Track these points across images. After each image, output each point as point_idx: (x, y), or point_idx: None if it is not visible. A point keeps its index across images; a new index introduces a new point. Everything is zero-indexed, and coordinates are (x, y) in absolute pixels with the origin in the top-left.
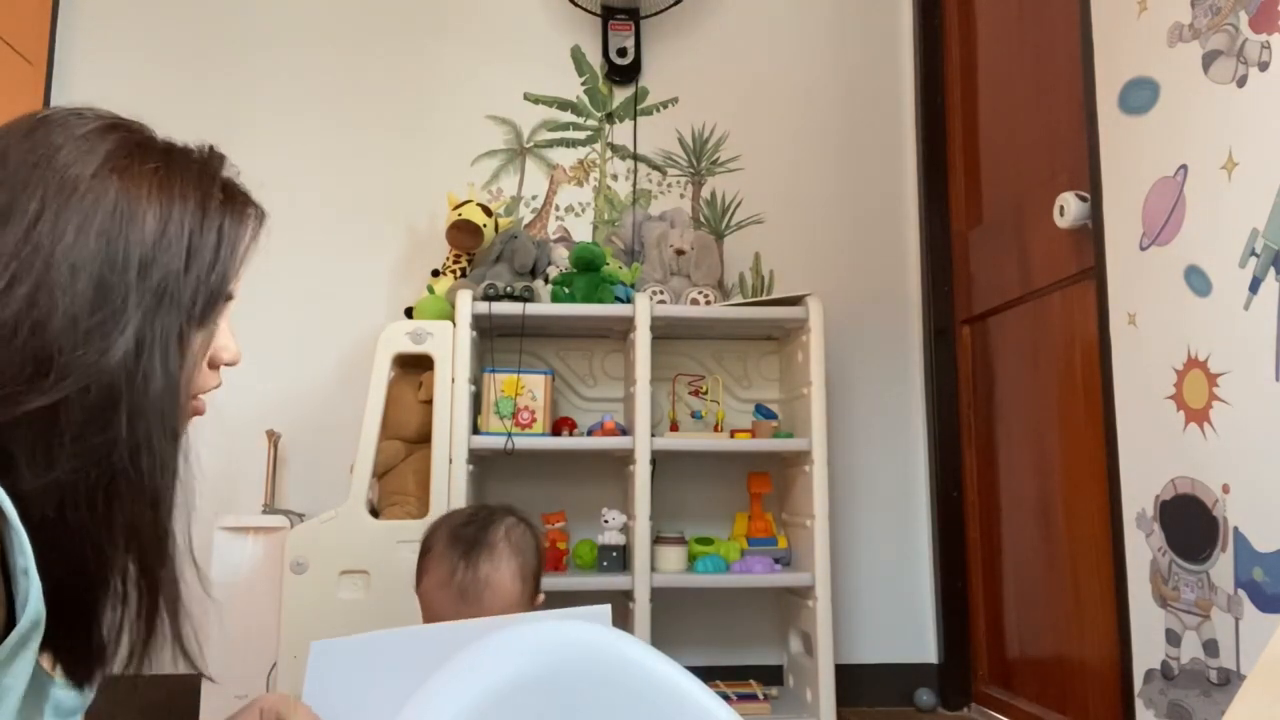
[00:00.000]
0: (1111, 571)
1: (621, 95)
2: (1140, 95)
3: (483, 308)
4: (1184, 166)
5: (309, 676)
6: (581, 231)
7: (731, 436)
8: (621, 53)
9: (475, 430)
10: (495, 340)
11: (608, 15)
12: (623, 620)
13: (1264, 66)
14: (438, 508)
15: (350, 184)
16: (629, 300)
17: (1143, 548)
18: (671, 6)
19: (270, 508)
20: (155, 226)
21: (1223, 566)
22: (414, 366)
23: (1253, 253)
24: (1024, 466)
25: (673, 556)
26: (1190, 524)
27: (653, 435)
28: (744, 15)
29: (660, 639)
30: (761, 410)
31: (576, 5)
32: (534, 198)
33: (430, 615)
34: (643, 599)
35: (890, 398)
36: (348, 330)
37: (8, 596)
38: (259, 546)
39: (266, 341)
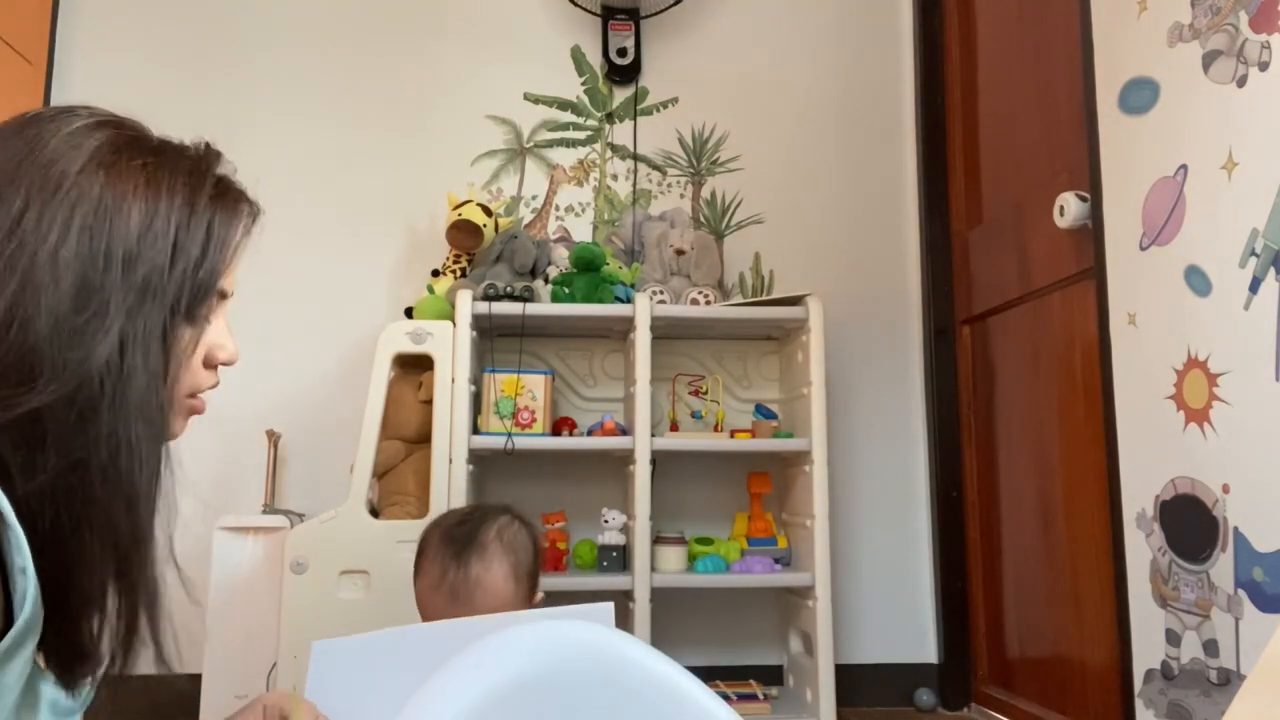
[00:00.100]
0: (1111, 571)
1: (621, 95)
2: (1140, 95)
3: (483, 308)
4: (1184, 166)
5: (311, 676)
6: (581, 231)
7: (731, 436)
8: (621, 53)
9: (475, 430)
10: (495, 340)
11: (608, 15)
12: (623, 620)
13: (1264, 66)
14: (438, 508)
15: (350, 184)
16: (629, 300)
17: (1143, 548)
18: (671, 6)
19: (270, 508)
20: (140, 221)
21: (1223, 566)
22: (414, 366)
23: (1253, 253)
24: (1024, 466)
25: (673, 556)
26: (1190, 524)
27: (653, 435)
28: (744, 15)
29: (660, 639)
30: (761, 410)
31: (576, 5)
32: (534, 198)
33: (425, 616)
34: (643, 599)
35: (890, 398)
36: (348, 330)
37: (5, 595)
38: (259, 546)
39: (266, 341)
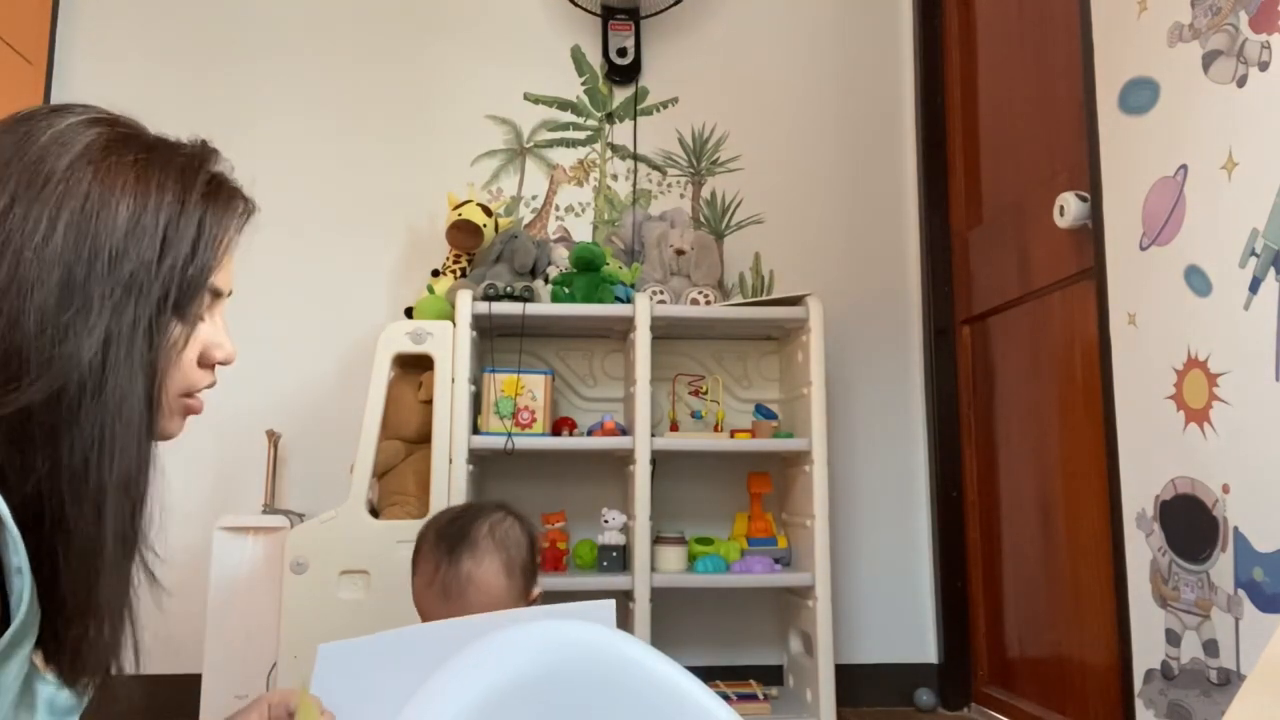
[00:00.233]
0: (1111, 571)
1: (621, 95)
2: (1140, 95)
3: (483, 308)
4: (1184, 166)
5: (316, 678)
6: (581, 231)
7: (731, 436)
8: (621, 53)
9: (475, 430)
10: (495, 340)
11: (608, 15)
12: (623, 620)
13: (1264, 66)
14: (438, 508)
15: (350, 184)
16: (629, 300)
17: (1143, 548)
18: (671, 6)
19: (270, 508)
20: (128, 218)
21: (1223, 566)
22: (414, 366)
23: (1253, 253)
24: (1024, 466)
25: (673, 556)
26: (1190, 524)
27: (653, 435)
28: (744, 15)
29: (660, 639)
30: (761, 410)
31: (576, 5)
32: (534, 198)
33: (421, 614)
34: (643, 599)
35: (890, 398)
36: (348, 330)
37: (1, 596)
38: (259, 546)
39: (266, 341)
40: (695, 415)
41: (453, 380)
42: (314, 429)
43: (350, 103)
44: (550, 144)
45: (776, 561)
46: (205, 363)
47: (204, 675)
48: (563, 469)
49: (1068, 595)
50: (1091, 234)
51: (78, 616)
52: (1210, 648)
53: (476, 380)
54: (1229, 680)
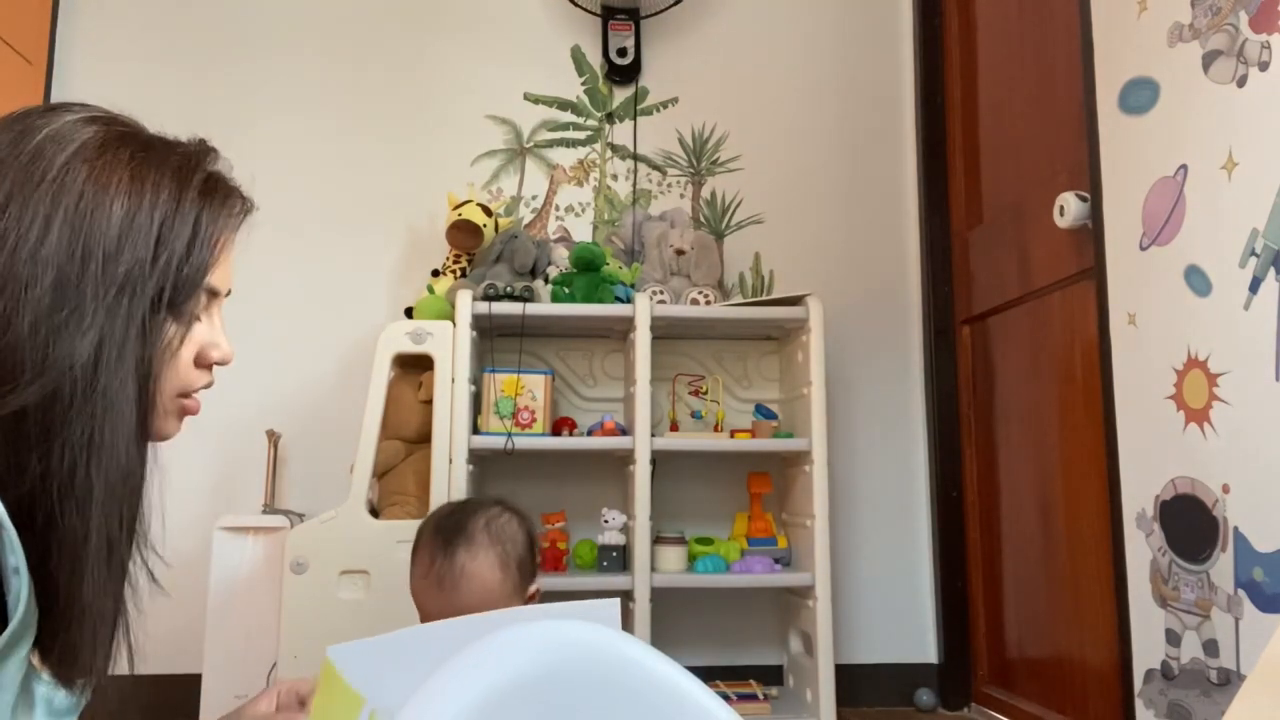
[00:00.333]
0: (1111, 571)
1: (621, 95)
2: (1140, 95)
3: (483, 308)
4: (1184, 166)
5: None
6: (581, 231)
7: (731, 436)
8: (621, 53)
9: (475, 430)
10: (495, 340)
11: (608, 15)
12: (623, 620)
13: (1264, 66)
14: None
15: (350, 184)
16: (629, 300)
17: (1143, 548)
18: (671, 6)
19: (270, 508)
20: (122, 216)
21: (1223, 566)
22: (414, 366)
23: (1253, 253)
24: (1024, 466)
25: (673, 556)
26: (1190, 524)
27: (653, 435)
28: (744, 15)
29: (660, 639)
30: (761, 410)
31: (576, 5)
32: (534, 198)
33: (417, 605)
34: (643, 599)
35: (890, 398)
36: (348, 330)
37: (0, 595)
38: (259, 546)
39: (267, 341)
40: (695, 415)
41: (453, 380)
42: (314, 429)
43: (350, 103)
44: (550, 144)
45: (776, 561)
46: (202, 363)
47: (204, 675)
48: (563, 469)
49: (1068, 595)
50: (1091, 234)
51: (70, 617)
52: (1210, 648)
53: (476, 380)
54: (1229, 680)
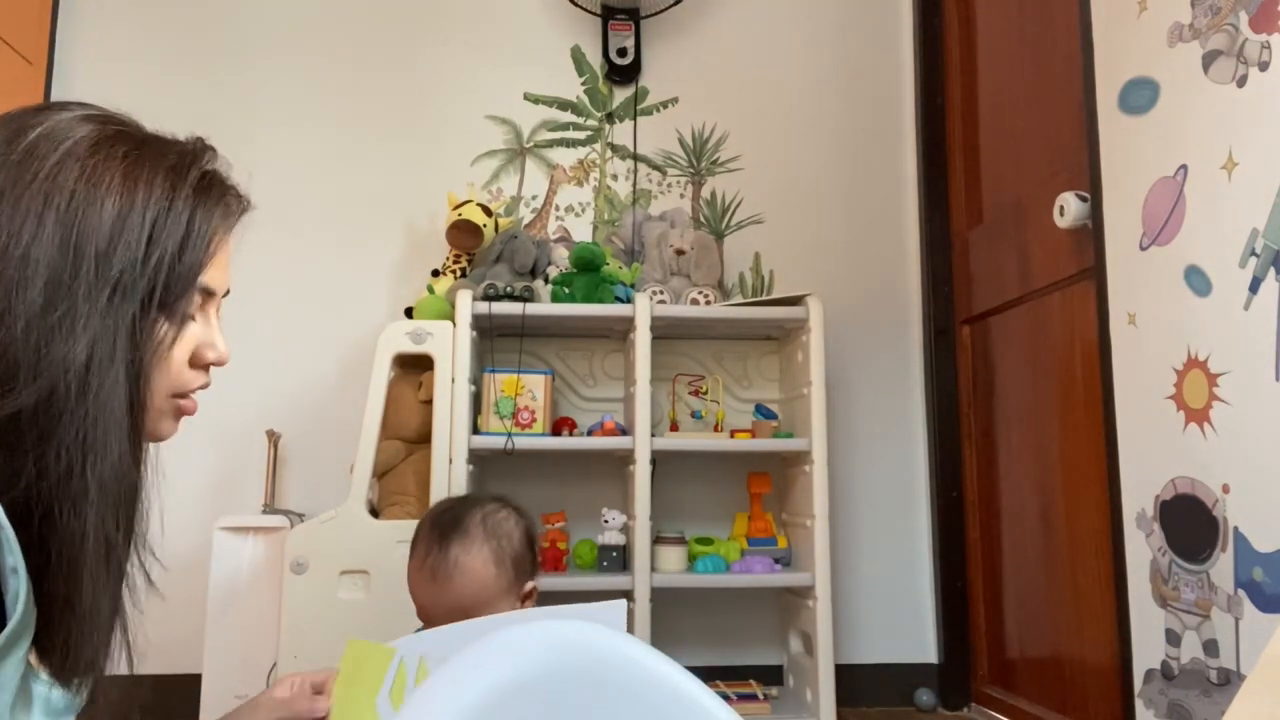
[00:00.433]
0: (1111, 571)
1: (621, 95)
2: (1140, 95)
3: (483, 308)
4: (1184, 166)
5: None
6: (581, 231)
7: (731, 436)
8: (621, 53)
9: (475, 430)
10: (495, 340)
11: (608, 15)
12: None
13: (1264, 66)
14: None
15: (350, 184)
16: (629, 300)
17: (1143, 548)
18: (671, 6)
19: (270, 508)
20: (113, 216)
21: (1223, 566)
22: (414, 366)
23: (1253, 253)
24: (1024, 466)
25: (673, 556)
26: (1190, 524)
27: (653, 435)
28: (744, 15)
29: (660, 639)
30: (761, 410)
31: (576, 5)
32: (534, 198)
33: (413, 597)
34: (643, 599)
35: (890, 398)
36: (348, 330)
37: None
38: (259, 546)
39: (267, 341)
40: (695, 415)
41: (453, 380)
42: (314, 429)
43: (350, 103)
44: (550, 144)
45: (776, 561)
46: (197, 363)
47: (204, 675)
48: (563, 469)
49: (1068, 595)
50: (1091, 234)
51: (66, 617)
52: (1210, 648)
53: (476, 380)
54: (1229, 680)
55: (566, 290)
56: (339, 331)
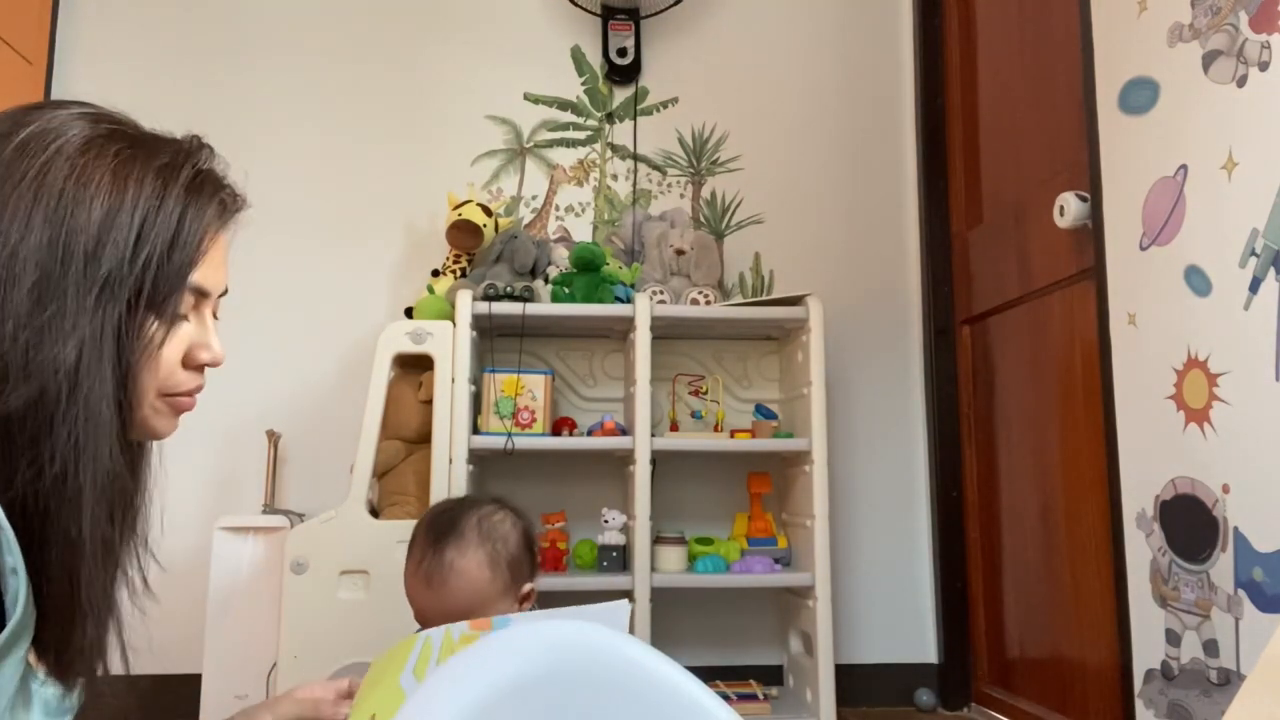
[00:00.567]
0: (1111, 571)
1: (621, 95)
2: (1140, 95)
3: (483, 308)
4: (1184, 166)
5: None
6: (581, 231)
7: (731, 436)
8: (621, 53)
9: (475, 430)
10: (495, 340)
11: (608, 15)
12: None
13: (1264, 66)
14: None
15: (350, 184)
16: (629, 300)
17: (1143, 548)
18: (671, 6)
19: (270, 508)
20: (102, 215)
21: (1223, 566)
22: (414, 366)
23: (1253, 253)
24: (1024, 466)
25: (673, 556)
26: (1190, 524)
27: (653, 435)
28: (744, 15)
29: (660, 639)
30: (761, 410)
31: (576, 5)
32: (534, 198)
33: (409, 599)
34: (643, 599)
35: (890, 398)
36: (348, 330)
37: None
38: (259, 546)
39: (267, 341)
40: (695, 415)
41: (453, 380)
42: (314, 429)
43: (350, 102)
44: (550, 144)
45: (776, 561)
46: (190, 363)
47: (204, 675)
48: (563, 469)
49: (1068, 595)
50: (1091, 234)
51: (61, 618)
52: (1210, 648)
53: (476, 380)
54: (1229, 680)
55: (566, 290)
56: (339, 331)
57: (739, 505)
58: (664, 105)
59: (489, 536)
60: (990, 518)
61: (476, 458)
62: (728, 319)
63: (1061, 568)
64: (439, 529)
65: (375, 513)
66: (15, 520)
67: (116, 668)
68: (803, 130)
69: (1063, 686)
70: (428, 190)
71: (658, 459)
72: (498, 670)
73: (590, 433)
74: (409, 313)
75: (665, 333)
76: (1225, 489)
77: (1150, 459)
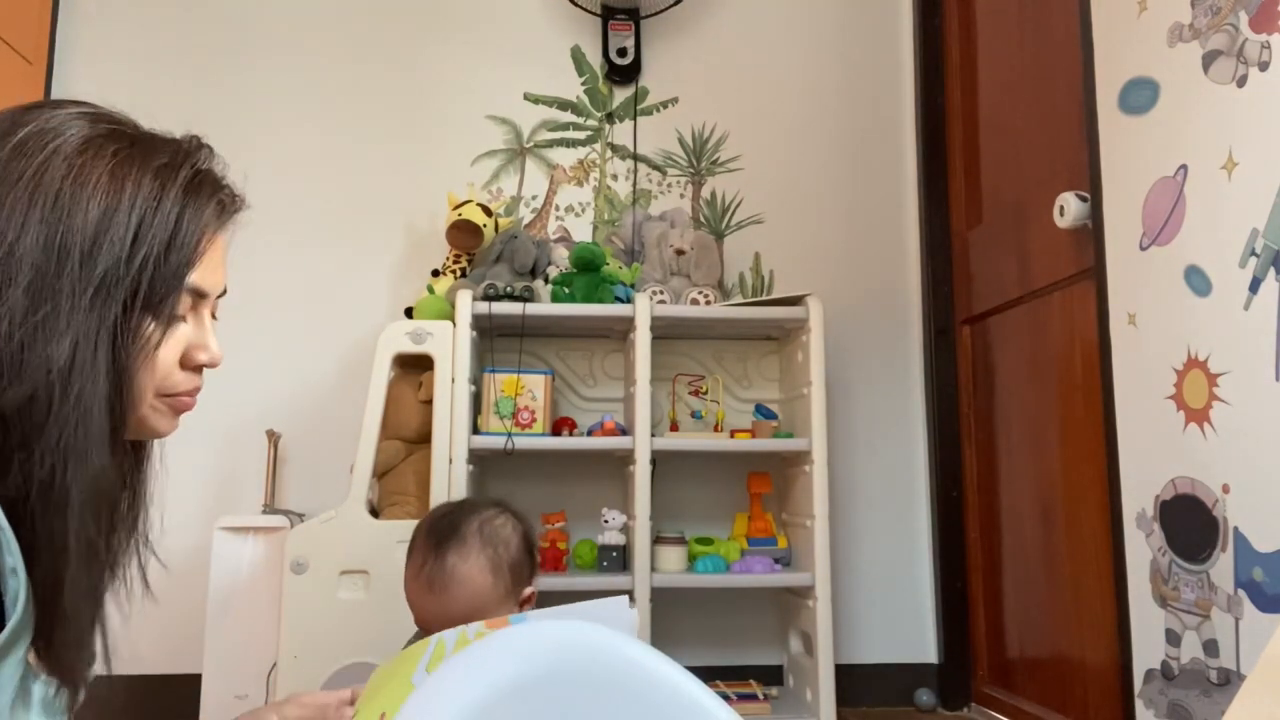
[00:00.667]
0: (1111, 571)
1: (621, 95)
2: (1140, 95)
3: (483, 308)
4: (1184, 166)
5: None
6: (581, 231)
7: (731, 436)
8: (621, 53)
9: (475, 430)
10: (495, 340)
11: (608, 15)
12: None
13: (1264, 66)
14: None
15: (350, 184)
16: (629, 300)
17: (1143, 548)
18: (671, 6)
19: (270, 508)
20: (99, 215)
21: (1223, 566)
22: (414, 366)
23: (1253, 253)
24: (1024, 466)
25: (673, 556)
26: (1190, 524)
27: (653, 435)
28: (744, 15)
29: (660, 639)
30: (761, 410)
31: (576, 5)
32: (534, 198)
33: (409, 603)
34: (643, 599)
35: (890, 398)
36: (348, 330)
37: None
38: (259, 546)
39: (267, 341)
40: (695, 415)
41: (453, 380)
42: (314, 429)
43: (350, 102)
44: (550, 144)
45: (776, 561)
46: (188, 364)
47: (204, 675)
48: (563, 469)
49: (1068, 595)
50: (1091, 234)
51: (47, 619)
52: (1210, 648)
53: (476, 380)
54: (1229, 680)
55: (566, 290)
56: (339, 331)
57: (739, 505)
58: (664, 105)
59: (491, 541)
60: (990, 518)
61: (476, 458)
62: (728, 319)
63: (1061, 568)
64: (440, 533)
65: (375, 513)
66: (10, 520)
67: (101, 668)
68: (803, 130)
69: (1063, 686)
70: (428, 190)
71: (658, 459)
72: (498, 670)
73: (590, 433)
74: (409, 313)
75: (665, 333)
76: (1225, 489)
77: (1150, 459)
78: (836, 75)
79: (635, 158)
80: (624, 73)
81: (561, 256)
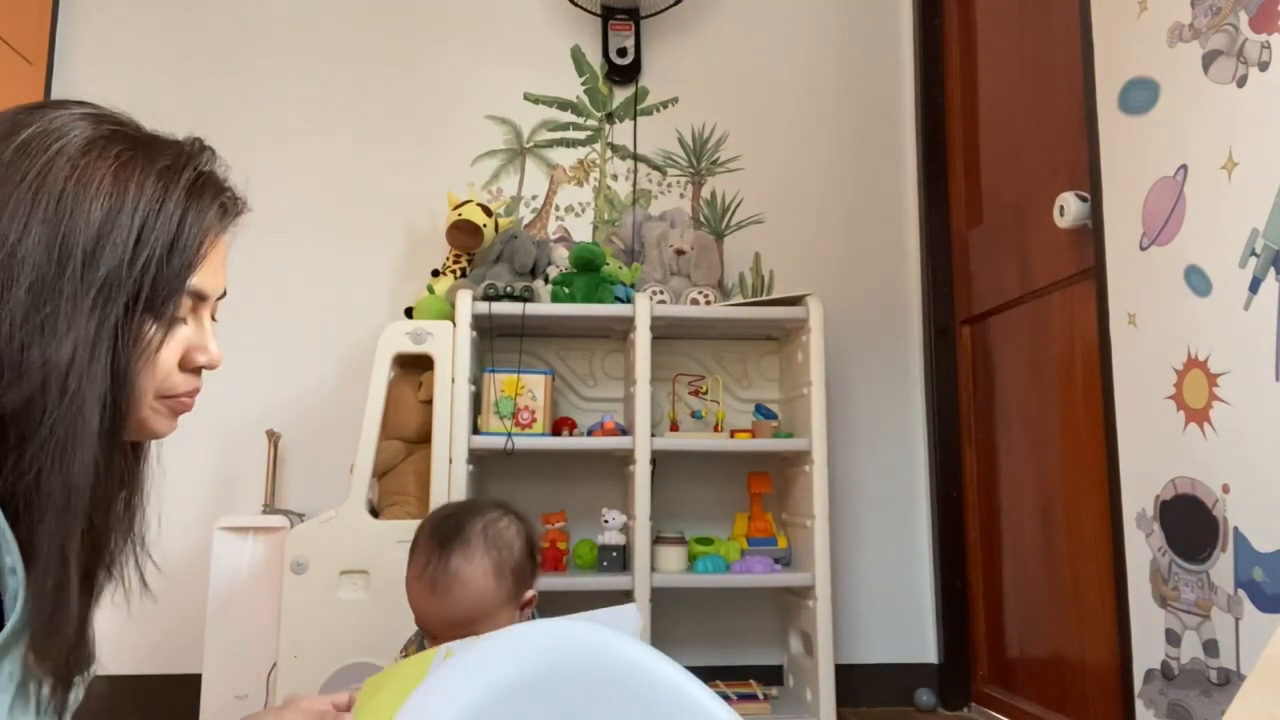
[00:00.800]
0: (1111, 571)
1: (621, 95)
2: (1140, 95)
3: (483, 308)
4: (1184, 166)
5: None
6: (581, 231)
7: (731, 436)
8: (621, 53)
9: (475, 430)
10: (495, 340)
11: (608, 15)
12: None
13: (1264, 66)
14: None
15: (350, 184)
16: (629, 300)
17: (1143, 548)
18: (671, 6)
19: (270, 508)
20: (101, 217)
21: (1223, 566)
22: (414, 366)
23: (1253, 253)
24: (1024, 466)
25: (673, 556)
26: (1190, 524)
27: (653, 435)
28: (744, 15)
29: (660, 639)
30: (761, 410)
31: (576, 5)
32: (534, 198)
33: (411, 605)
34: (643, 599)
35: (890, 398)
36: (348, 330)
37: None
38: (259, 546)
39: (267, 341)
40: (695, 415)
41: (453, 380)
42: (314, 429)
43: (350, 103)
44: (550, 144)
45: (776, 561)
46: (187, 366)
47: (204, 675)
48: (563, 469)
49: (1068, 595)
50: (1091, 234)
51: (47, 618)
52: (1210, 648)
53: (476, 380)
54: (1229, 680)
55: (566, 290)
56: (339, 331)
57: (739, 505)
58: (664, 105)
59: (495, 544)
60: (990, 518)
61: (476, 458)
62: (728, 319)
63: (1061, 568)
64: (444, 534)
65: (375, 513)
66: (20, 517)
67: (90, 670)
68: (803, 130)
69: (1063, 686)
70: (428, 190)
71: (658, 459)
72: (498, 670)
73: (590, 433)
74: (409, 313)
75: (665, 333)
76: (1225, 489)
77: (1150, 459)
78: (836, 75)
79: (635, 158)
80: (624, 73)
81: (561, 256)
